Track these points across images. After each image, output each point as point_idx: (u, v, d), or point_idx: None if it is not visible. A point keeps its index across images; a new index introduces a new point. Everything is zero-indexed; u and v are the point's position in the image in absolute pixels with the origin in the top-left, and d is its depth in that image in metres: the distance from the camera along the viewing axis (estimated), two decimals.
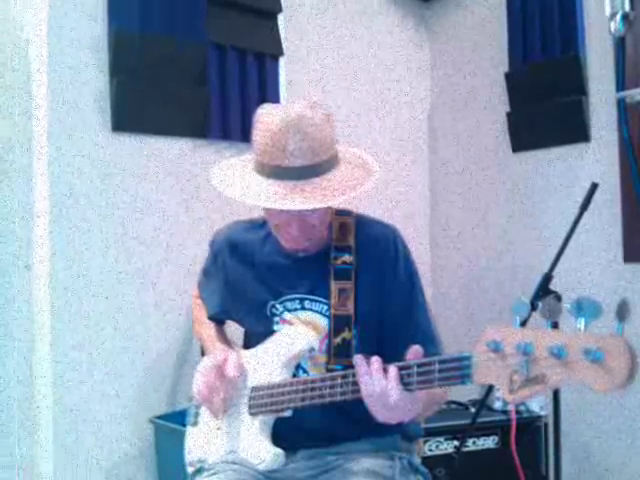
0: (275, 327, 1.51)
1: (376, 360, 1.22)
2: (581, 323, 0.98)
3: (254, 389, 1.46)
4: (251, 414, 1.45)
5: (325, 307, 1.47)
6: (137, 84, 2.42)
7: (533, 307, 1.63)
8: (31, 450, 2.32)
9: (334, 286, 1.46)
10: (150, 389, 2.50)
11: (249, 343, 1.58)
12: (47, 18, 2.28)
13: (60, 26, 2.31)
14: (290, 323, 1.50)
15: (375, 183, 1.39)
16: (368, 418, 1.24)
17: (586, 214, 2.15)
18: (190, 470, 1.55)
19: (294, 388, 1.38)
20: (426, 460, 1.71)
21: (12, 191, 2.32)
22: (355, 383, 1.26)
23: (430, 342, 1.43)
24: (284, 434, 1.44)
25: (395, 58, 3.33)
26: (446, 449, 2.37)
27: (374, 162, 1.45)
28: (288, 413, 1.42)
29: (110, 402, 2.40)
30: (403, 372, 1.20)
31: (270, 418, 1.44)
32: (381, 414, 1.23)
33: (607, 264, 2.64)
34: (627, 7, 2.18)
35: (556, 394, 2.11)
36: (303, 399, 1.36)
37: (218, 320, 1.67)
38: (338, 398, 1.30)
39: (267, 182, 1.35)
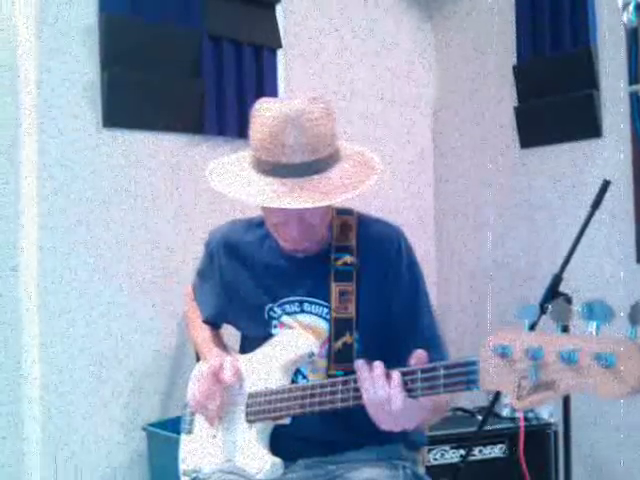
0: (273, 331, 1.48)
1: (378, 365, 1.20)
2: (592, 327, 0.95)
3: (251, 395, 1.43)
4: (248, 421, 1.42)
5: (325, 310, 1.44)
6: (129, 76, 2.41)
7: (542, 310, 1.60)
8: (19, 459, 2.28)
9: (335, 288, 1.43)
10: (143, 395, 2.48)
11: (246, 347, 1.55)
12: (35, 5, 2.26)
13: (49, 14, 2.29)
14: (289, 327, 1.47)
15: (378, 181, 1.36)
16: (370, 426, 1.22)
17: (597, 213, 2.12)
18: None
19: (293, 395, 1.35)
20: (430, 470, 1.69)
21: None
22: (356, 389, 1.24)
23: (435, 346, 1.41)
24: (283, 442, 1.41)
25: (398, 51, 3.31)
26: (451, 458, 2.34)
27: (376, 159, 1.42)
28: (287, 421, 1.39)
29: (101, 409, 2.39)
30: (407, 378, 1.18)
31: (268, 426, 1.42)
32: (384, 422, 1.21)
33: (619, 265, 2.61)
34: None
35: (566, 400, 2.09)
36: (302, 406, 1.33)
37: (213, 323, 1.64)
38: (339, 405, 1.28)
39: (265, 180, 1.32)
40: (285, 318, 1.47)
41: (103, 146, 2.40)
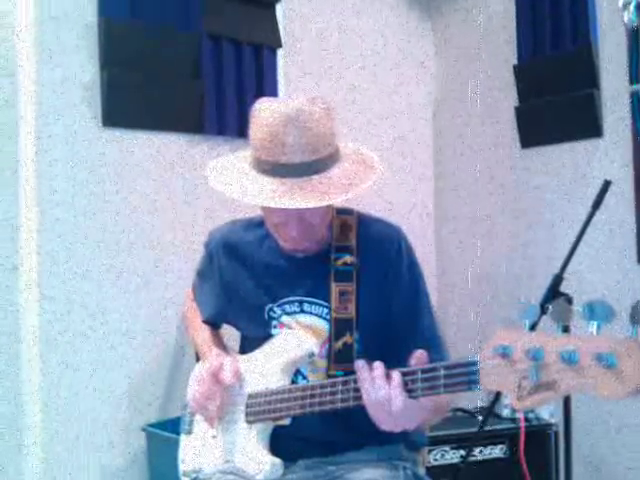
0: (273, 331, 1.48)
1: (379, 366, 1.20)
2: (593, 327, 0.95)
3: (251, 396, 1.42)
4: (248, 422, 1.42)
5: (325, 310, 1.44)
6: (128, 76, 2.40)
7: (543, 310, 1.60)
8: (19, 460, 2.27)
9: (335, 288, 1.42)
10: (142, 396, 2.46)
11: (246, 348, 1.54)
12: (34, 6, 2.25)
13: (48, 15, 2.28)
14: (289, 327, 1.46)
15: (377, 180, 1.36)
16: (370, 426, 1.22)
17: (598, 213, 2.11)
18: None
19: (293, 395, 1.35)
20: (431, 470, 1.69)
21: None
22: (357, 389, 1.23)
23: (435, 347, 1.40)
24: (282, 443, 1.41)
25: (398, 50, 3.30)
26: (452, 459, 2.33)
27: (376, 159, 1.42)
28: (287, 421, 1.39)
29: (101, 409, 2.37)
30: (407, 378, 1.18)
31: (268, 426, 1.41)
32: (384, 422, 1.20)
33: (620, 265, 2.60)
34: None
35: (567, 401, 2.09)
36: (302, 406, 1.32)
37: (213, 324, 1.63)
38: (339, 405, 1.28)
39: (265, 179, 1.31)
40: (285, 318, 1.46)
41: (103, 146, 2.39)
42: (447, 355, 1.43)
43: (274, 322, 1.47)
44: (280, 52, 2.84)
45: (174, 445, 1.57)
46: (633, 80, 2.45)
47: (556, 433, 2.40)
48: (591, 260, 2.59)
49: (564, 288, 2.05)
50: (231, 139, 2.63)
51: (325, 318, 1.43)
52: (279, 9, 2.84)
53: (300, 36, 2.93)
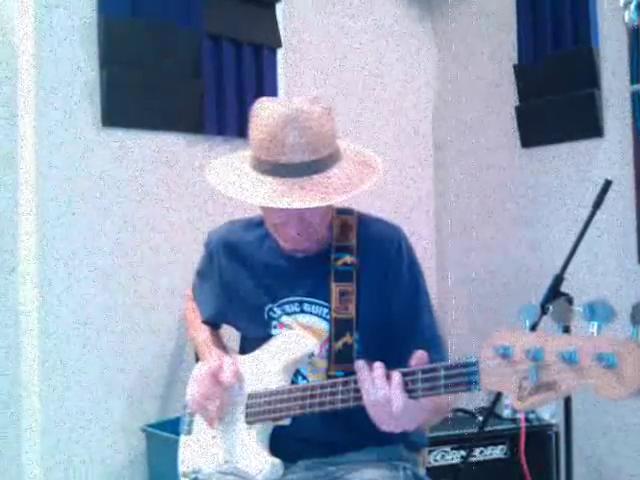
0: (273, 331, 1.48)
1: (379, 366, 1.20)
2: (594, 327, 0.95)
3: (251, 396, 1.42)
4: (248, 422, 1.41)
5: (325, 310, 1.44)
6: (128, 75, 2.40)
7: (543, 310, 1.60)
8: (18, 461, 2.26)
9: (335, 288, 1.42)
10: (142, 396, 2.46)
11: (245, 348, 1.54)
12: (33, 5, 2.24)
13: (47, 13, 2.27)
14: (289, 327, 1.46)
15: (378, 181, 1.36)
16: (370, 427, 1.22)
17: (599, 213, 2.11)
18: None
19: (293, 395, 1.35)
20: (431, 471, 1.69)
21: None
22: (357, 390, 1.23)
23: (435, 347, 1.40)
24: (282, 443, 1.40)
25: (399, 49, 3.29)
26: (452, 459, 2.33)
27: (377, 159, 1.42)
28: (286, 421, 1.38)
29: (100, 410, 2.37)
30: (407, 378, 1.18)
31: (268, 427, 1.41)
32: (384, 422, 1.21)
33: (621, 265, 2.59)
34: None
35: (567, 401, 2.09)
36: (302, 407, 1.32)
37: (213, 324, 1.63)
38: (339, 406, 1.28)
39: (264, 179, 1.31)
40: (285, 318, 1.46)
41: (102, 145, 2.39)
42: (447, 355, 1.43)
43: (274, 322, 1.47)
44: (280, 52, 2.83)
45: (174, 445, 1.57)
46: (634, 80, 2.45)
47: (557, 434, 2.40)
48: (592, 260, 2.59)
49: (564, 288, 2.05)
50: (231, 139, 2.62)
51: (325, 318, 1.43)
52: (279, 9, 2.83)
53: (300, 36, 2.92)
